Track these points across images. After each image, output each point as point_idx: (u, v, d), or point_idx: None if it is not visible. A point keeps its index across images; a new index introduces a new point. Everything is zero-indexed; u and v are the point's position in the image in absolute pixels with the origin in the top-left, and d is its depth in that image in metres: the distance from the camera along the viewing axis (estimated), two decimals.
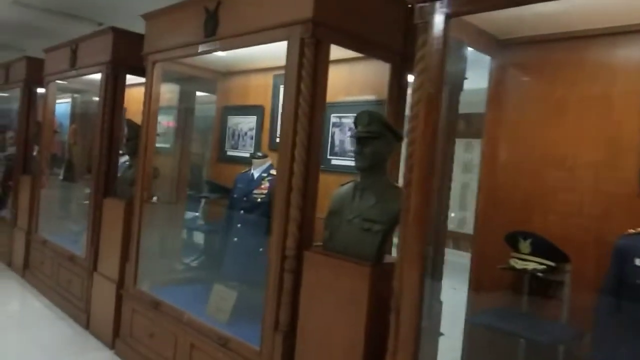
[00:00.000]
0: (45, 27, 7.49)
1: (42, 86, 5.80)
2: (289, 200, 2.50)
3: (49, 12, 6.94)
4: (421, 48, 1.98)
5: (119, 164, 4.38)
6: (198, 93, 4.61)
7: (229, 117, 4.10)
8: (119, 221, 3.85)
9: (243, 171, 3.59)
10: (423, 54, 1.97)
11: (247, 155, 3.89)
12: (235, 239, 3.32)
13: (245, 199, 3.34)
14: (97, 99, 6.31)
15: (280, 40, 2.63)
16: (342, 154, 3.21)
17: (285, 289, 2.46)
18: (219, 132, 4.19)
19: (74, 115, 6.54)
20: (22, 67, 5.96)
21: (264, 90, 3.79)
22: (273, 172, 3.34)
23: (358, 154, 2.34)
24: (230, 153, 4.07)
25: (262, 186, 3.30)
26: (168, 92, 5.06)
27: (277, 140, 3.50)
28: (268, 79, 3.74)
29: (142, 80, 4.07)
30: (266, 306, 2.55)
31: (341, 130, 3.22)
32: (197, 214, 4.61)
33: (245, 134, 3.94)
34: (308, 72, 2.47)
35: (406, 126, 2.10)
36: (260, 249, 3.21)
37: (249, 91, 3.95)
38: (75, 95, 6.47)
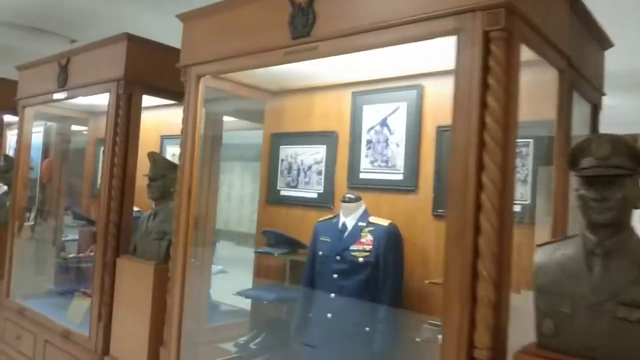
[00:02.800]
0: (7, 44, 6.38)
1: (10, 112, 4.73)
2: (476, 269, 1.66)
3: (11, 26, 5.90)
4: None
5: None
6: (227, 118, 3.72)
7: (282, 147, 3.21)
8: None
9: (323, 219, 2.71)
10: None
11: (313, 195, 3.01)
12: (329, 315, 2.41)
13: (338, 257, 2.45)
14: (77, 127, 5.39)
15: (438, 35, 1.83)
16: None
17: None
18: (267, 166, 3.28)
19: (46, 148, 5.44)
20: None
21: (337, 112, 2.95)
22: (374, 220, 2.48)
23: (597, 201, 1.54)
24: (285, 192, 3.18)
25: (363, 240, 2.43)
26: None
27: (363, 174, 2.69)
28: (344, 98, 2.91)
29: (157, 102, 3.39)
30: None
31: None
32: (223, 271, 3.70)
33: (309, 168, 3.06)
34: (498, 79, 1.67)
35: None
36: (367, 329, 2.33)
37: (314, 114, 3.09)
38: (49, 123, 5.37)
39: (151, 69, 3.28)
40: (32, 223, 4.97)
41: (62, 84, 3.72)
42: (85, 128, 5.39)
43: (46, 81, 3.92)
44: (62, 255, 4.77)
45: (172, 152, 3.97)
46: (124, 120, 3.21)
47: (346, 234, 2.50)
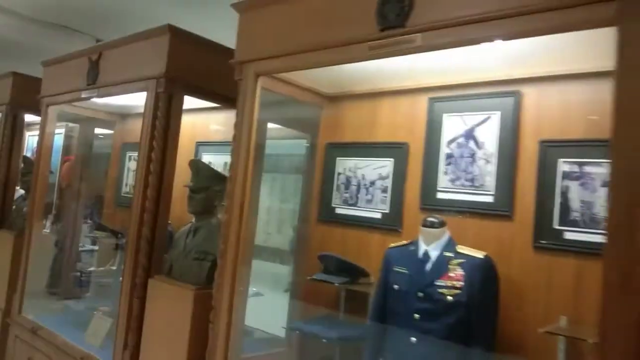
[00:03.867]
0: (28, 41, 6.09)
1: (31, 111, 4.40)
2: None
3: (33, 22, 5.60)
4: None
5: None
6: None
7: (339, 159, 2.83)
8: None
9: (396, 244, 2.31)
10: None
11: (376, 215, 2.62)
12: None
13: (421, 294, 2.05)
14: (101, 131, 5.05)
15: (579, 27, 1.45)
16: (582, 223, 2.00)
17: None
18: (320, 180, 2.90)
19: (66, 151, 5.10)
20: (5, 86, 4.52)
21: (409, 121, 2.57)
22: (464, 250, 2.08)
23: None
24: (341, 210, 2.79)
25: (452, 274, 2.03)
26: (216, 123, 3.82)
27: (441, 194, 2.31)
28: (418, 105, 2.53)
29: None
30: None
31: (583, 186, 2.01)
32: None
33: (371, 184, 2.67)
34: None
35: None
36: None
37: (380, 123, 2.71)
38: (71, 124, 5.04)
39: (195, 68, 2.93)
40: (48, 231, 4.63)
41: (92, 81, 3.38)
42: (109, 131, 5.07)
43: (74, 78, 3.58)
44: (79, 267, 4.41)
45: (208, 160, 3.60)
46: (162, 123, 2.84)
47: (429, 265, 2.10)
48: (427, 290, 2.04)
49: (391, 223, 2.55)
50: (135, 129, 4.33)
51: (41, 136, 3.93)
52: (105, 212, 4.46)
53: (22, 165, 4.48)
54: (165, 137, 2.86)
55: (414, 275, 2.10)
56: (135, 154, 4.28)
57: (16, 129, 4.51)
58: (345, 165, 2.79)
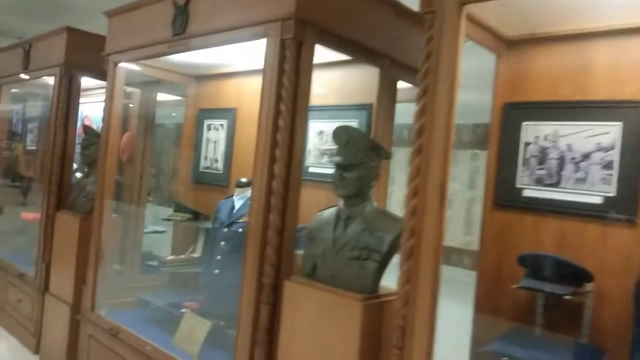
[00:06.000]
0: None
1: (90, 73, 3.80)
2: None
3: None
4: None
5: None
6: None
7: (525, 123, 2.14)
8: None
9: None
10: None
11: (594, 199, 1.95)
12: None
13: None
14: (167, 96, 4.41)
15: None
16: None
17: None
18: (497, 152, 2.23)
19: (125, 120, 4.47)
20: (58, 44, 3.87)
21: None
22: None
23: None
24: (531, 193, 2.12)
25: None
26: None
27: None
28: None
29: None
30: None
31: None
32: None
33: (584, 157, 1.99)
34: None
35: None
36: None
37: (592, 73, 2.02)
38: (129, 89, 4.39)
39: (329, 7, 2.26)
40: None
41: (181, 31, 2.71)
42: (173, 97, 4.43)
43: (151, 29, 2.92)
44: (155, 257, 3.82)
45: (319, 129, 2.94)
46: (291, 79, 2.18)
47: None
48: None
49: (621, 210, 1.88)
50: (216, 92, 3.70)
51: (109, 101, 3.29)
52: (180, 190, 3.84)
53: (82, 136, 3.85)
54: (295, 97, 2.20)
55: None
56: (215, 122, 3.65)
57: (72, 94, 3.89)
58: (538, 132, 2.11)
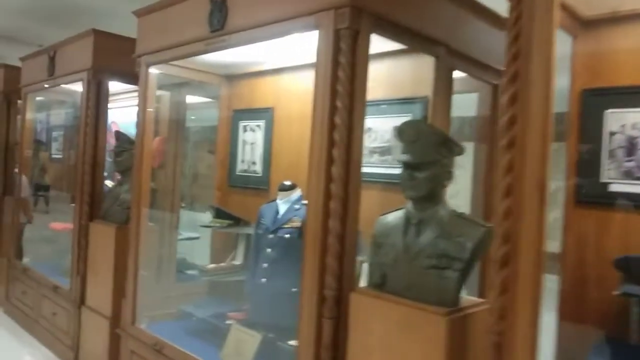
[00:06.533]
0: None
1: (118, 77, 3.66)
2: None
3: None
4: None
5: None
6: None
7: (609, 112, 1.94)
8: None
9: None
10: None
11: None
12: None
13: None
14: (195, 99, 4.26)
15: None
16: None
17: None
18: (575, 143, 2.02)
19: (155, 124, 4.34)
20: (85, 48, 3.75)
21: None
22: None
23: None
24: (618, 188, 1.91)
25: None
26: None
27: None
28: None
29: None
30: None
31: None
32: None
33: None
34: None
35: None
36: None
37: None
38: (158, 92, 4.26)
39: None
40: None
41: (219, 26, 2.54)
42: (204, 99, 4.28)
43: (186, 26, 2.76)
44: (190, 264, 3.69)
45: (368, 126, 2.76)
46: (347, 73, 2.00)
47: None
48: None
49: None
50: (250, 91, 3.54)
51: (142, 105, 3.15)
52: (217, 195, 3.68)
53: (114, 142, 3.72)
54: (352, 92, 2.02)
55: None
56: (251, 123, 3.49)
57: (101, 99, 3.76)
58: (624, 120, 1.91)
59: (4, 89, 5.27)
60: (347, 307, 1.95)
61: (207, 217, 4.33)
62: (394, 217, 1.95)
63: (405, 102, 2.56)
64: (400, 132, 1.87)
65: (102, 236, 3.44)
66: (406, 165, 1.84)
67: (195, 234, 4.25)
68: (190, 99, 4.23)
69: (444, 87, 2.49)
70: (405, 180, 1.84)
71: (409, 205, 1.89)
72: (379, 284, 1.87)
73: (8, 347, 4.11)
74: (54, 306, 4.00)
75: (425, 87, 2.53)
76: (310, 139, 2.09)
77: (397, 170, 1.88)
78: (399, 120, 2.56)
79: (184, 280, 3.76)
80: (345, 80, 2.00)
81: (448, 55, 2.47)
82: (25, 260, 4.80)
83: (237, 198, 3.54)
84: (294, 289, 2.75)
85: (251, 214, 3.29)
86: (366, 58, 2.05)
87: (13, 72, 5.09)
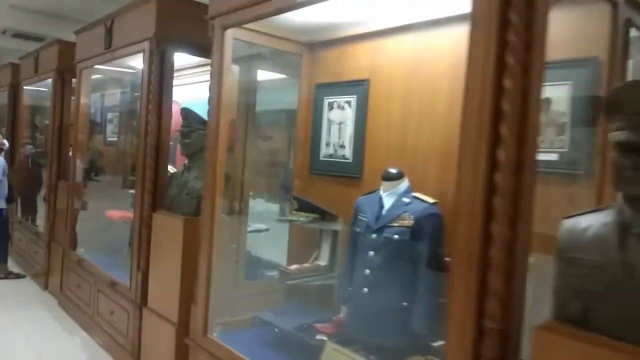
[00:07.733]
0: None
1: (183, 47, 3.19)
2: None
3: None
4: None
5: None
6: None
7: None
8: None
9: None
10: None
11: None
12: None
13: None
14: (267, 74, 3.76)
15: None
16: None
17: None
18: None
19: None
20: (147, 14, 3.29)
21: None
22: None
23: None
24: None
25: None
26: None
27: None
28: None
29: None
30: None
31: None
32: None
33: None
34: None
35: None
36: None
37: None
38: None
39: None
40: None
41: None
42: (279, 76, 3.75)
43: None
44: (267, 263, 3.21)
45: None
46: (522, 14, 1.42)
47: None
48: None
49: None
50: (338, 61, 2.98)
51: (217, 76, 2.65)
52: (296, 184, 3.18)
53: (181, 121, 3.27)
54: (529, 43, 1.44)
55: None
56: (339, 99, 2.95)
57: (165, 73, 3.30)
58: None
59: (58, 66, 4.92)
60: (518, 346, 1.41)
61: (275, 208, 3.85)
62: (592, 222, 1.36)
63: (564, 65, 1.95)
64: (619, 100, 1.28)
65: (168, 229, 3.00)
66: (626, 147, 1.25)
67: (263, 226, 3.78)
68: (261, 75, 3.72)
69: (621, 46, 1.87)
70: (623, 170, 1.26)
71: (622, 205, 1.30)
72: (578, 319, 1.30)
73: (65, 348, 3.75)
74: (111, 304, 3.61)
75: (592, 47, 1.92)
76: (462, 111, 1.52)
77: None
78: (558, 89, 1.99)
79: (252, 278, 3.31)
80: (519, 25, 1.42)
81: (627, 4, 1.85)
82: (80, 250, 4.46)
83: (320, 188, 3.02)
84: (404, 303, 2.25)
85: (338, 207, 2.77)
86: (546, 17, 1.46)
87: (68, 49, 4.74)
